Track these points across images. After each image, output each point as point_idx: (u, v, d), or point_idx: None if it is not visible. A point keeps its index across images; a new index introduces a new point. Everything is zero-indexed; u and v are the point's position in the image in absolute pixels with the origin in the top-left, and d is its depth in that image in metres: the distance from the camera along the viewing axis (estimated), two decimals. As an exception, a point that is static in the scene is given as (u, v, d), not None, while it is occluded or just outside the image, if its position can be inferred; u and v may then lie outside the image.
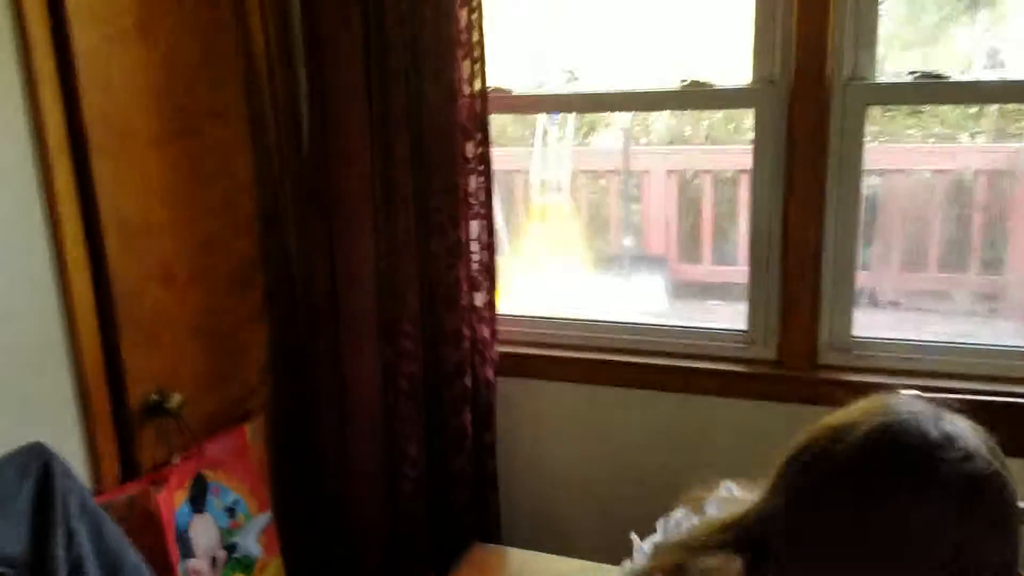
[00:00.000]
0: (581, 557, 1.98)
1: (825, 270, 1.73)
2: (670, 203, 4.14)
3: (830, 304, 1.74)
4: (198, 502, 1.64)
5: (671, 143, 4.18)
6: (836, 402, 1.75)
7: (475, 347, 1.87)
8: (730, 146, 4.15)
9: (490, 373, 1.90)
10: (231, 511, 1.72)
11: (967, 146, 3.58)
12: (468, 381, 1.86)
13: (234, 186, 1.81)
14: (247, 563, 1.75)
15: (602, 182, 4.20)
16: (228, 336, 1.82)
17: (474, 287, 1.85)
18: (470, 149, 1.79)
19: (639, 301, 3.66)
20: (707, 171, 4.11)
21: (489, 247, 1.85)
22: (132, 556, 1.40)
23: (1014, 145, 3.47)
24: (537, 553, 1.38)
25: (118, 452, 1.54)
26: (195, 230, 1.70)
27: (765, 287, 1.79)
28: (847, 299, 1.74)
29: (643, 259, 4.14)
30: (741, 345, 1.84)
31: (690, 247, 4.19)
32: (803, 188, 1.69)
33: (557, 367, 1.95)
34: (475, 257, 1.84)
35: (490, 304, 1.88)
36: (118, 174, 1.51)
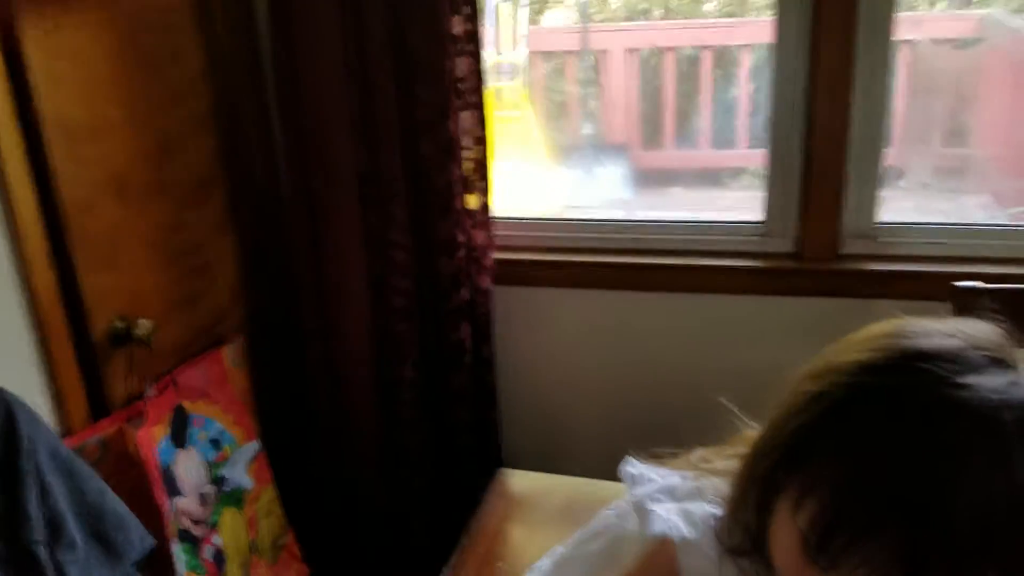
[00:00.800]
0: (586, 476, 1.90)
1: (851, 151, 1.60)
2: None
3: (855, 188, 1.62)
4: (180, 436, 1.48)
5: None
6: (859, 293, 1.66)
7: (471, 255, 1.71)
8: (692, 20, 3.95)
9: (487, 282, 1.75)
10: (216, 443, 1.57)
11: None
12: (465, 293, 1.70)
13: (185, 75, 1.58)
14: (238, 496, 1.61)
15: (554, 64, 3.96)
16: (193, 251, 1.62)
17: (468, 188, 1.67)
18: (457, 25, 1.58)
19: (603, 191, 3.52)
20: (669, 48, 3.88)
21: (482, 141, 1.66)
22: (114, 504, 1.24)
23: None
24: (575, 478, 1.27)
25: (84, 389, 1.36)
26: (148, 131, 1.47)
27: (785, 173, 1.65)
28: (873, 182, 1.62)
29: (604, 147, 3.97)
30: (756, 238, 1.72)
31: (652, 132, 4.02)
32: (831, 60, 1.54)
33: (554, 272, 1.81)
34: (467, 155, 1.66)
35: (485, 207, 1.71)
36: (54, 67, 1.27)
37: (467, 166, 1.66)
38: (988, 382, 0.60)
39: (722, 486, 0.80)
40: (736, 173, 3.86)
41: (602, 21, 4.03)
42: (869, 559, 0.58)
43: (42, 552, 1.13)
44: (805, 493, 0.63)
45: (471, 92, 1.62)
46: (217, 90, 1.65)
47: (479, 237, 1.70)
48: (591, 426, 1.90)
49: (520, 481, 1.29)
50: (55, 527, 1.16)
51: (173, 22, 1.53)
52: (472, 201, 1.68)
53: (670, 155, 3.96)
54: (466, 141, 1.64)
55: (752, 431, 0.88)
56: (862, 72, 1.54)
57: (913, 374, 0.62)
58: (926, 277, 1.57)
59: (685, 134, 3.93)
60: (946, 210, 3.30)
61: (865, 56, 1.53)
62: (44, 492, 1.15)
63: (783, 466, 0.67)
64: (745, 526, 0.75)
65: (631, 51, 3.80)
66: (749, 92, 3.72)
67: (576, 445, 1.91)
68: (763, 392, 1.71)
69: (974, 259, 1.58)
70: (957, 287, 1.26)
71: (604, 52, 3.89)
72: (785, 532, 0.66)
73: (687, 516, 0.81)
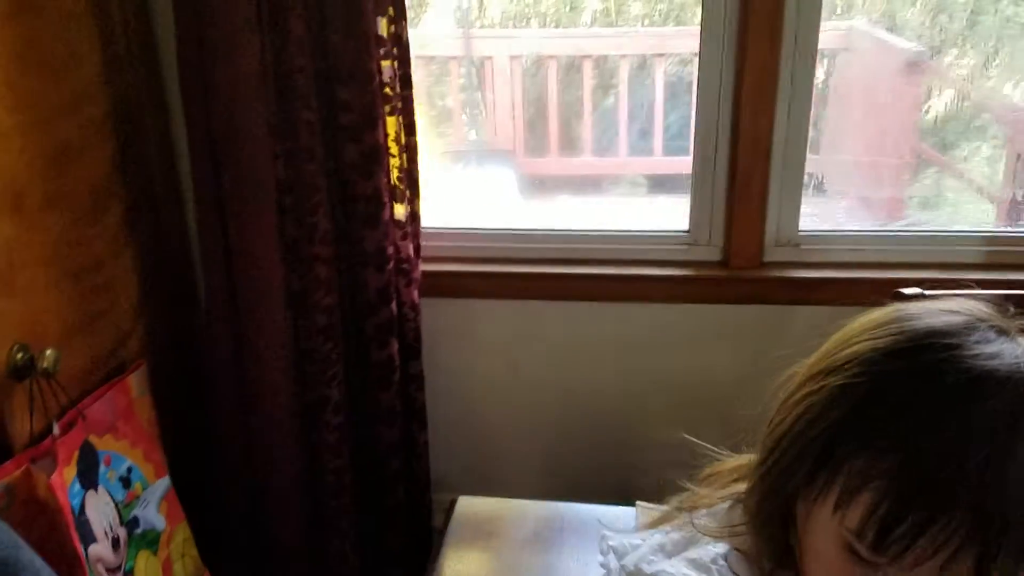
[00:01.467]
0: (520, 495, 1.86)
1: (775, 161, 1.63)
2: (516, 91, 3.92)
3: (778, 197, 1.66)
4: (89, 476, 1.33)
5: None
6: (782, 300, 1.70)
7: (399, 267, 1.63)
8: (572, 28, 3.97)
9: (415, 295, 1.67)
10: (126, 481, 1.42)
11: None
12: (394, 307, 1.62)
13: (84, 77, 1.43)
14: (151, 537, 1.47)
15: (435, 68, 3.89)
16: (93, 269, 1.47)
17: (395, 197, 1.60)
18: (382, 26, 1.50)
19: (491, 197, 3.48)
20: (551, 56, 3.91)
21: (409, 148, 1.59)
22: (31, 558, 1.10)
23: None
24: (536, 501, 1.22)
25: (-19, 430, 1.20)
26: (44, 138, 1.32)
27: (710, 183, 1.67)
28: (796, 191, 1.66)
29: (488, 153, 3.93)
30: (683, 247, 1.73)
31: (536, 139, 4.02)
32: (757, 71, 1.56)
33: (483, 283, 1.76)
34: (394, 162, 1.58)
35: (413, 216, 1.63)
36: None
37: (394, 174, 1.58)
38: (1007, 350, 0.61)
39: (712, 524, 0.78)
40: (615, 180, 3.93)
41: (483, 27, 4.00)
42: (942, 543, 0.57)
43: (-53, 623, 0.98)
44: (851, 492, 0.61)
45: (397, 97, 1.55)
46: (115, 93, 1.50)
47: (407, 248, 1.63)
48: (522, 442, 1.86)
49: (478, 508, 1.23)
50: (-40, 592, 1.01)
51: (71, 19, 1.38)
52: (400, 210, 1.60)
53: (554, 162, 3.98)
54: (393, 148, 1.56)
55: (731, 459, 0.86)
56: (785, 80, 1.57)
57: (935, 351, 0.62)
58: (848, 283, 1.63)
59: (568, 141, 3.96)
60: (818, 214, 3.46)
61: (788, 64, 1.56)
62: (-53, 554, 1.00)
63: (816, 471, 0.65)
64: (774, 544, 0.73)
65: (515, 58, 3.80)
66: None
67: (508, 463, 1.87)
68: (695, 397, 1.73)
69: (895, 265, 1.65)
70: (902, 293, 1.29)
71: (488, 58, 3.86)
72: (824, 537, 0.65)
73: (696, 565, 0.77)
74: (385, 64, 1.52)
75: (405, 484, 1.75)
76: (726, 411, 1.73)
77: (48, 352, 1.25)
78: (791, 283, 1.67)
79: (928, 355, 0.62)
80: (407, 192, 1.60)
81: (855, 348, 0.67)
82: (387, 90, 1.53)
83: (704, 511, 0.79)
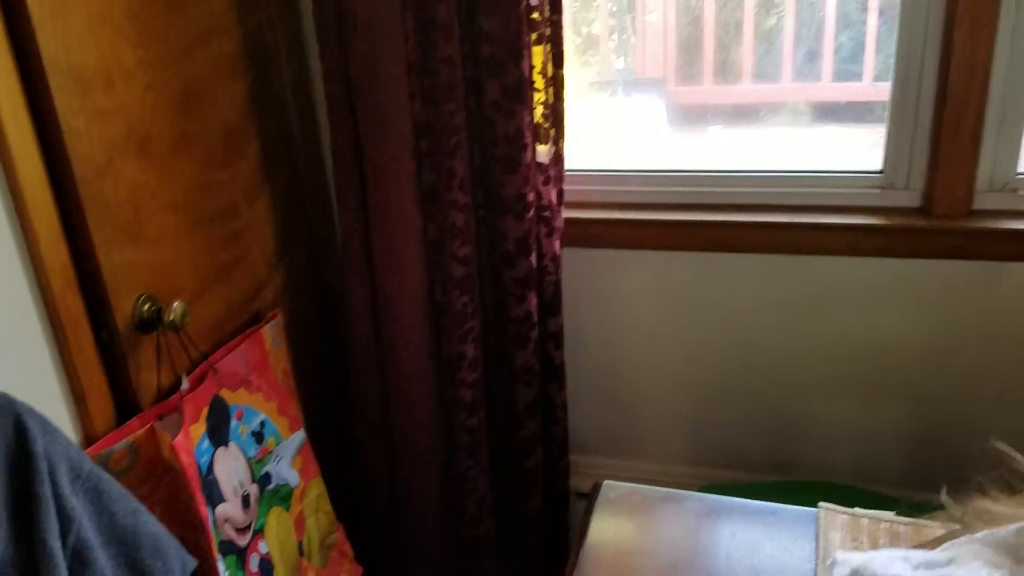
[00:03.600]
0: (661, 463, 1.71)
1: (993, 90, 1.35)
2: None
3: (995, 133, 1.39)
4: (220, 432, 1.28)
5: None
6: (993, 255, 1.44)
7: (540, 215, 1.48)
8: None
9: (556, 246, 1.52)
10: (258, 436, 1.37)
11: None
12: (533, 259, 1.48)
13: (213, 9, 1.34)
14: (284, 494, 1.42)
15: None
16: (225, 216, 1.40)
17: (538, 137, 1.44)
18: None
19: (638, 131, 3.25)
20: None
21: (556, 81, 1.42)
22: (150, 525, 1.05)
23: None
24: (691, 493, 1.06)
25: (108, 385, 1.15)
26: (171, 76, 1.24)
27: (912, 115, 1.41)
28: (1017, 127, 1.38)
29: (636, 83, 3.67)
30: (875, 191, 1.49)
31: (689, 65, 3.72)
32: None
33: (631, 232, 1.59)
34: (539, 97, 1.42)
35: (556, 158, 1.47)
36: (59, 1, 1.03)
37: (538, 111, 1.42)
38: None
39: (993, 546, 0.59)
40: (774, 109, 3.60)
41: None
42: None
43: (68, 590, 0.94)
44: None
45: (545, 23, 1.38)
46: (247, 28, 1.41)
47: (550, 194, 1.48)
48: (668, 406, 1.69)
49: (623, 496, 1.08)
50: (81, 560, 0.96)
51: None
52: (543, 152, 1.45)
53: (709, 90, 3.68)
54: (538, 82, 1.40)
55: None
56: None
57: None
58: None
59: (726, 66, 3.65)
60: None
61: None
62: (66, 520, 0.95)
63: None
64: None
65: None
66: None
67: (651, 427, 1.71)
68: (877, 367, 1.50)
69: None
70: None
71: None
72: None
73: None
74: (532, -16, 1.35)
75: (543, 446, 1.63)
76: (916, 386, 1.52)
77: (176, 304, 1.19)
78: (1006, 235, 1.40)
79: None
80: (551, 131, 1.44)
81: None
82: (534, 15, 1.36)
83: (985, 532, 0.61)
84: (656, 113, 3.53)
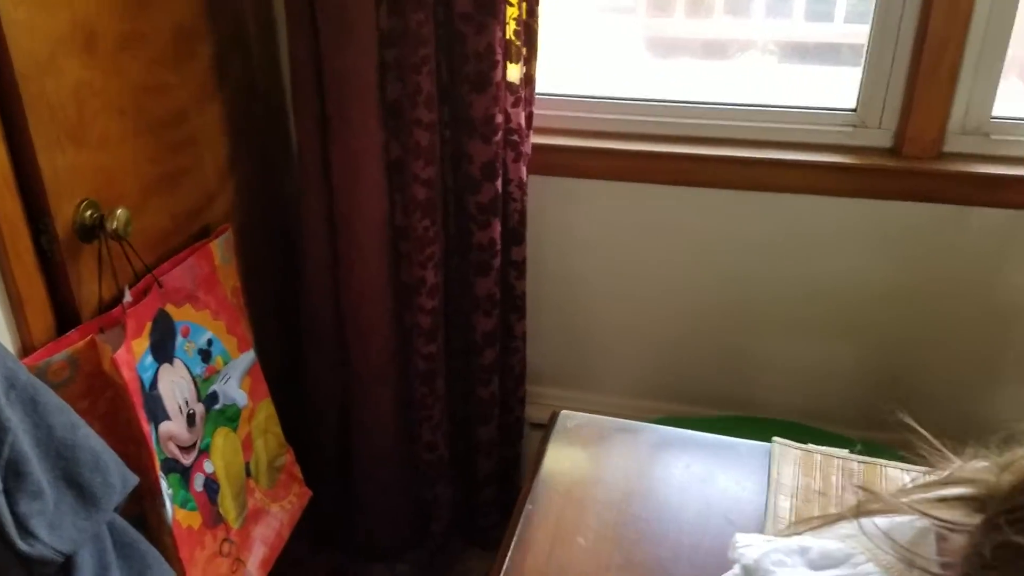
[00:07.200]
0: (617, 397, 1.70)
1: (974, 30, 1.33)
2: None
3: (971, 74, 1.36)
4: (164, 348, 1.23)
5: None
6: (961, 199, 1.43)
7: (507, 138, 1.43)
8: None
9: (523, 172, 1.48)
10: (205, 354, 1.33)
11: None
12: (499, 184, 1.44)
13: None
14: (232, 414, 1.38)
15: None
16: (175, 120, 1.33)
17: (509, 56, 1.38)
18: None
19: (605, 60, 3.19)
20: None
21: (529, -7, 1.36)
22: (89, 439, 1.00)
23: None
24: (647, 424, 1.05)
25: (47, 294, 1.10)
26: (119, -33, 1.16)
27: (890, 52, 1.38)
28: (995, 68, 1.36)
29: (605, 12, 3.59)
30: (847, 129, 1.46)
31: None
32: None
33: (599, 161, 1.54)
34: (511, 12, 1.36)
35: (527, 79, 1.42)
36: None
37: (510, 27, 1.36)
38: None
39: (889, 548, 0.56)
40: (744, 47, 3.55)
41: None
42: None
43: (1, 504, 0.90)
44: None
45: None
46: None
47: (519, 116, 1.43)
48: (627, 340, 1.68)
49: (580, 426, 1.07)
50: (16, 472, 0.92)
51: None
52: (514, 72, 1.39)
53: (680, 23, 3.61)
54: (510, -5, 1.34)
55: (962, 466, 0.62)
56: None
57: None
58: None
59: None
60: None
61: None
62: (0, 430, 0.91)
63: None
64: None
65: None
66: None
67: (608, 361, 1.70)
68: (840, 308, 1.49)
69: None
70: None
71: None
72: None
73: None
74: None
75: (500, 375, 1.61)
76: (877, 328, 1.52)
77: (119, 212, 1.13)
78: (975, 179, 1.39)
79: None
80: (523, 50, 1.38)
81: None
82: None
83: (879, 519, 0.58)
84: (627, 43, 3.45)
